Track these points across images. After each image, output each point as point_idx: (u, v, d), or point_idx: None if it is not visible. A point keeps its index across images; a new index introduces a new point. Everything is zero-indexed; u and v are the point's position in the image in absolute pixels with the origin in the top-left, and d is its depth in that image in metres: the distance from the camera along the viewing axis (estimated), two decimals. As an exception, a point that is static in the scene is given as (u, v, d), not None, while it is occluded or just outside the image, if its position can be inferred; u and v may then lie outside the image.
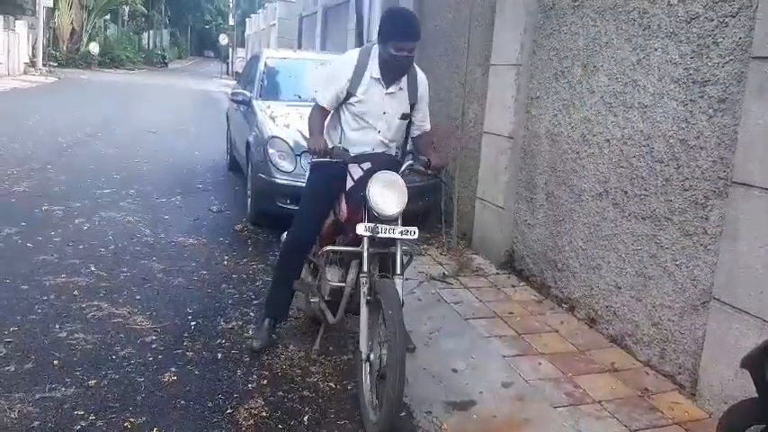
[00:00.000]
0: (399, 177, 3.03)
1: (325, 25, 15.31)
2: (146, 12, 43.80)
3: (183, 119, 14.26)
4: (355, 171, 3.20)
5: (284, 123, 6.08)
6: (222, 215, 6.52)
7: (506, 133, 5.02)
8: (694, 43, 3.30)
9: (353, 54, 3.29)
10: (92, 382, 3.13)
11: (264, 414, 2.99)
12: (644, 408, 3.11)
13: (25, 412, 2.83)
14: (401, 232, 2.96)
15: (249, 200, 6.28)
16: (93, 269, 4.63)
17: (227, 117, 9.01)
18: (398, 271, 2.98)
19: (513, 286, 4.71)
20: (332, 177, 3.30)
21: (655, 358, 3.51)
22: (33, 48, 25.42)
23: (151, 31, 50.07)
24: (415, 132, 3.49)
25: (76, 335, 3.60)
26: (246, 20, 41.58)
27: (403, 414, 2.67)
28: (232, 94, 7.59)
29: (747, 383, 2.22)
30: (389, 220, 2.95)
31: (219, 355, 3.54)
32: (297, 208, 5.61)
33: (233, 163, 8.42)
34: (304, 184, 3.63)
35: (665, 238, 3.47)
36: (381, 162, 3.18)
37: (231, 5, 41.77)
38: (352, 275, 3.20)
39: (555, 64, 4.53)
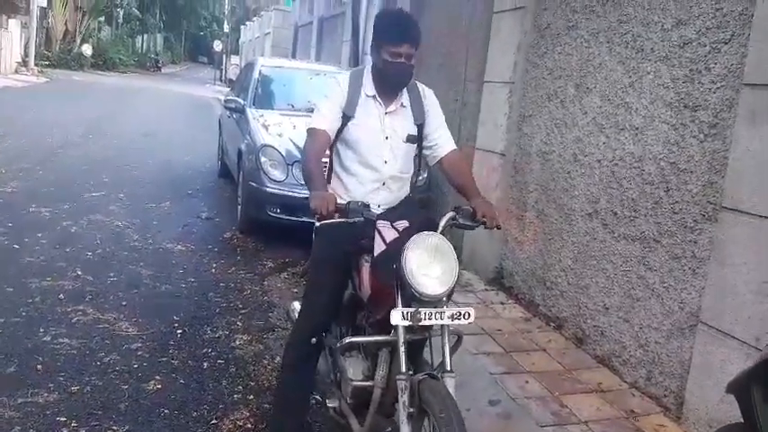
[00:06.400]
0: (446, 242, 2.24)
1: (321, 36, 15.35)
2: (140, 15, 43.77)
3: (175, 124, 14.22)
4: (387, 232, 2.37)
5: (277, 132, 6.09)
6: (212, 222, 6.51)
7: (498, 150, 5.04)
8: (687, 68, 3.34)
9: (344, 75, 2.79)
10: (75, 388, 3.10)
11: (249, 426, 2.98)
12: (629, 429, 3.11)
13: (6, 417, 2.80)
14: (452, 316, 2.17)
15: (239, 207, 6.28)
16: (79, 273, 4.59)
17: (220, 124, 9.01)
18: (448, 367, 2.18)
19: (502, 303, 4.71)
20: (347, 239, 2.51)
21: (641, 380, 3.52)
22: (26, 47, 25.26)
23: (145, 35, 50.03)
24: (435, 157, 2.82)
25: (61, 339, 3.57)
26: (241, 27, 41.60)
27: (389, 429, 2.64)
28: (225, 101, 7.59)
29: (733, 408, 2.22)
30: (433, 301, 2.19)
31: (205, 365, 3.52)
32: (287, 218, 5.77)
33: (224, 170, 8.42)
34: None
35: (653, 261, 3.49)
36: (419, 220, 2.42)
37: (226, 12, 41.81)
38: (382, 371, 2.42)
39: (548, 83, 4.56)
